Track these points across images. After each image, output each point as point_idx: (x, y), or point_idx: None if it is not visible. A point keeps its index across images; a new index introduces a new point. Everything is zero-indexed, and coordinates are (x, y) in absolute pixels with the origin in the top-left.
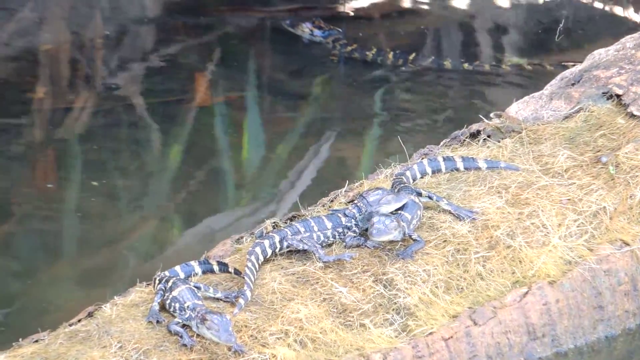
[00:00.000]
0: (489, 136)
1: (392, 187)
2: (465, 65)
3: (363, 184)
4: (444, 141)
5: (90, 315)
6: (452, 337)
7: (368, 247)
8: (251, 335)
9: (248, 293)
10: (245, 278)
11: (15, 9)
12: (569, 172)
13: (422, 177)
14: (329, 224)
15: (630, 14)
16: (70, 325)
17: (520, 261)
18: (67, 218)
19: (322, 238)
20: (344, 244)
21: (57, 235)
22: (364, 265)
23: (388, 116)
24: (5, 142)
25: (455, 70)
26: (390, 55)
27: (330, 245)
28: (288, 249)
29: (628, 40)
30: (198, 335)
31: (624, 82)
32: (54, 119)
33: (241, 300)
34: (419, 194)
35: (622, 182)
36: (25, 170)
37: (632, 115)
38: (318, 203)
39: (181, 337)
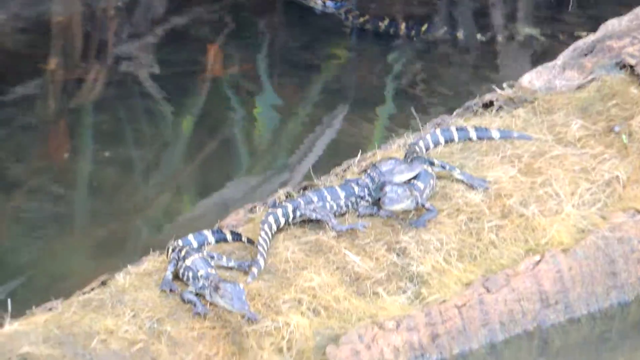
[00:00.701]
0: (501, 106)
1: (405, 157)
2: (478, 35)
3: (376, 154)
4: (456, 111)
5: (103, 284)
6: (465, 304)
7: (381, 217)
8: (264, 304)
9: (261, 262)
10: (259, 247)
11: None
12: (582, 141)
13: (435, 147)
14: (342, 194)
15: None
16: (83, 293)
17: (533, 229)
18: (80, 188)
19: (335, 207)
20: (357, 213)
21: (70, 206)
22: (377, 234)
23: (401, 87)
24: (18, 113)
25: (468, 40)
26: (403, 26)
27: (343, 214)
28: (301, 219)
29: None
30: (211, 303)
31: (637, 52)
32: (66, 91)
33: (254, 269)
34: (432, 164)
35: (635, 151)
36: (38, 142)
37: None
38: (331, 173)
39: (194, 305)
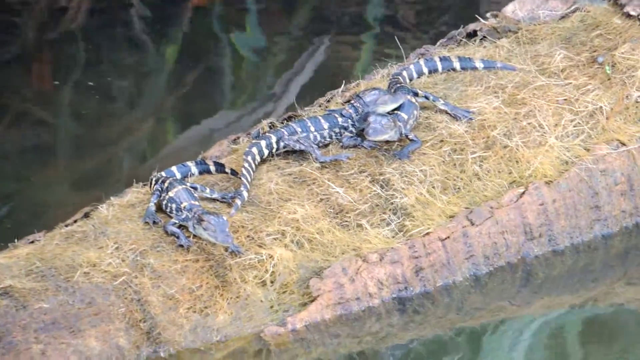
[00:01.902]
0: (485, 36)
1: (388, 87)
2: None
3: (360, 84)
4: (440, 41)
5: (86, 215)
6: (449, 237)
7: (365, 147)
8: (248, 236)
9: (245, 193)
10: (242, 178)
11: None
12: (566, 72)
13: (418, 77)
14: (325, 124)
15: None
16: (66, 226)
17: (517, 161)
18: (63, 119)
19: (318, 138)
20: (341, 144)
21: (53, 136)
22: (360, 166)
23: (385, 16)
24: (1, 43)
25: None
26: None
27: (327, 145)
28: (285, 150)
29: None
30: (195, 236)
31: None
32: (50, 20)
33: (238, 201)
34: (416, 94)
35: (619, 82)
36: (21, 71)
37: (629, 16)
38: (315, 103)
39: (178, 237)
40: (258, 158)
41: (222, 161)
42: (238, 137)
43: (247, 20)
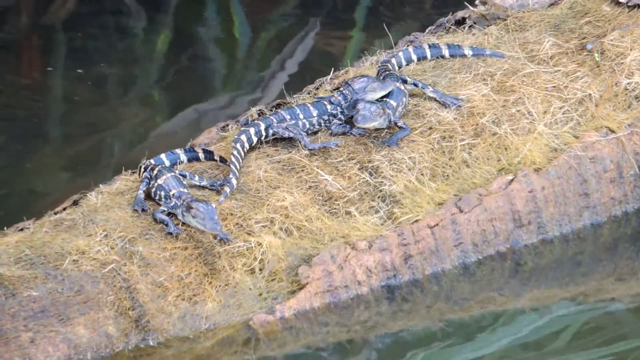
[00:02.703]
0: (474, 23)
1: (377, 75)
2: None
3: (348, 71)
4: (429, 28)
5: (75, 203)
6: (437, 224)
7: (354, 135)
8: (237, 224)
9: (234, 181)
10: (231, 166)
11: None
12: (555, 59)
13: (407, 65)
14: (314, 112)
15: None
16: (55, 213)
17: (505, 148)
18: (52, 106)
19: (307, 126)
20: (330, 131)
21: (43, 123)
22: (349, 153)
23: (373, 3)
24: None
25: None
26: None
27: (315, 133)
28: (274, 137)
29: None
30: (183, 223)
31: None
32: (39, 6)
33: (227, 188)
34: (405, 82)
35: (608, 69)
36: (10, 58)
37: (618, 3)
38: (303, 90)
39: (167, 225)
40: (247, 145)
41: (211, 148)
42: (227, 125)
43: (234, 6)
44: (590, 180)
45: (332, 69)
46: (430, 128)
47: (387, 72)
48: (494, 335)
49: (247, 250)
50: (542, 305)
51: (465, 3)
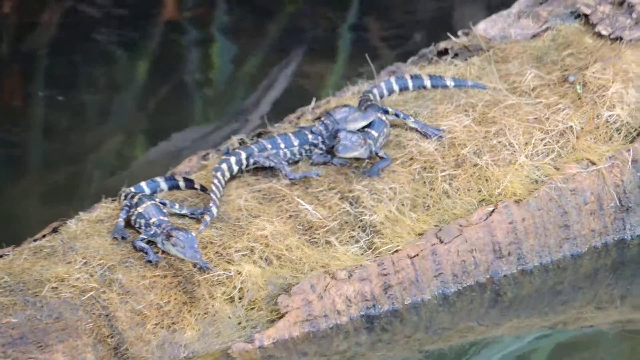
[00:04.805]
0: (456, 54)
1: (359, 105)
2: None
3: (330, 101)
4: (411, 59)
5: (55, 230)
6: (417, 254)
7: (334, 165)
8: (217, 252)
9: (214, 209)
10: (211, 194)
11: None
12: (536, 91)
13: (389, 95)
14: (295, 141)
15: None
16: (34, 240)
17: (486, 179)
18: (32, 132)
19: (288, 155)
20: (311, 161)
21: (22, 150)
22: (330, 183)
23: (356, 34)
24: None
25: None
26: None
27: (296, 162)
28: (255, 166)
29: None
30: (163, 251)
31: (592, 2)
32: (20, 34)
33: (207, 217)
34: (386, 112)
35: (589, 101)
36: None
37: (600, 35)
38: (285, 120)
39: (146, 253)
40: (227, 174)
41: (192, 177)
42: (208, 153)
43: (215, 34)
44: (570, 212)
45: (314, 98)
46: (412, 159)
47: (369, 103)
48: None
49: (226, 278)
50: (523, 333)
51: (448, 34)
